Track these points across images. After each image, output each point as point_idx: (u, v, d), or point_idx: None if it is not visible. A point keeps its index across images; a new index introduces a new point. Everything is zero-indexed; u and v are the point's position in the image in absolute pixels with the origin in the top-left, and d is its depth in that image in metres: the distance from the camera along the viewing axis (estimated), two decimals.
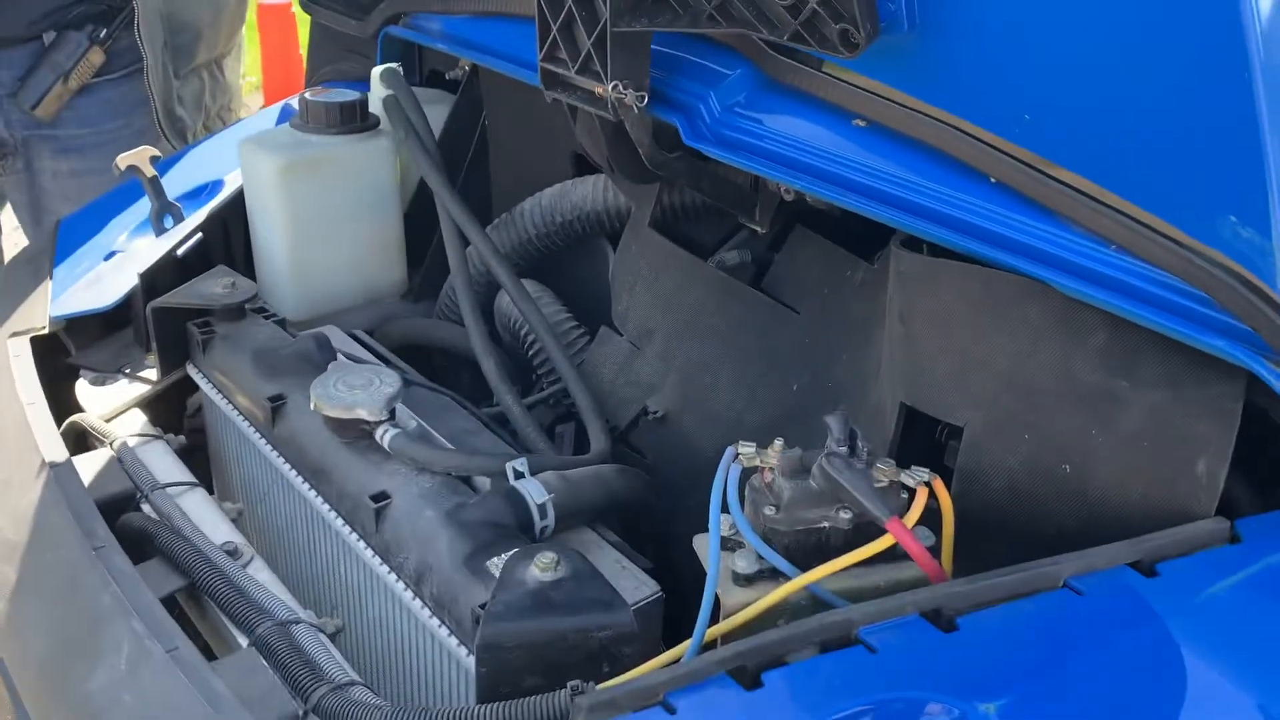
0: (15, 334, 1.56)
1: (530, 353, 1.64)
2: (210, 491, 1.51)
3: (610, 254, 1.63)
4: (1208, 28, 0.79)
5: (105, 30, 2.23)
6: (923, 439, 1.17)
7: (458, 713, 0.92)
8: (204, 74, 2.45)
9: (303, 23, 2.22)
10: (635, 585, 1.13)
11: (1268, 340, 0.86)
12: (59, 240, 1.80)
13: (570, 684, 0.88)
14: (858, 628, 0.87)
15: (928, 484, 0.97)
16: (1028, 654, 0.88)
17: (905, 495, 0.98)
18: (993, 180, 1.03)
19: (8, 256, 2.34)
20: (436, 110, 1.82)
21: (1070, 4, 0.91)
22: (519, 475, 1.16)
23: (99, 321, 1.63)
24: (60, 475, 1.24)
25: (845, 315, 1.35)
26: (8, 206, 2.47)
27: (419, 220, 1.80)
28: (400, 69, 1.76)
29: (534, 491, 1.14)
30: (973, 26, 0.98)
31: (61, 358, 1.60)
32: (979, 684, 0.84)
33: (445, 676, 1.13)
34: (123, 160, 1.72)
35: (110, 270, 1.69)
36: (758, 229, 1.44)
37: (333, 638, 1.12)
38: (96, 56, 2.24)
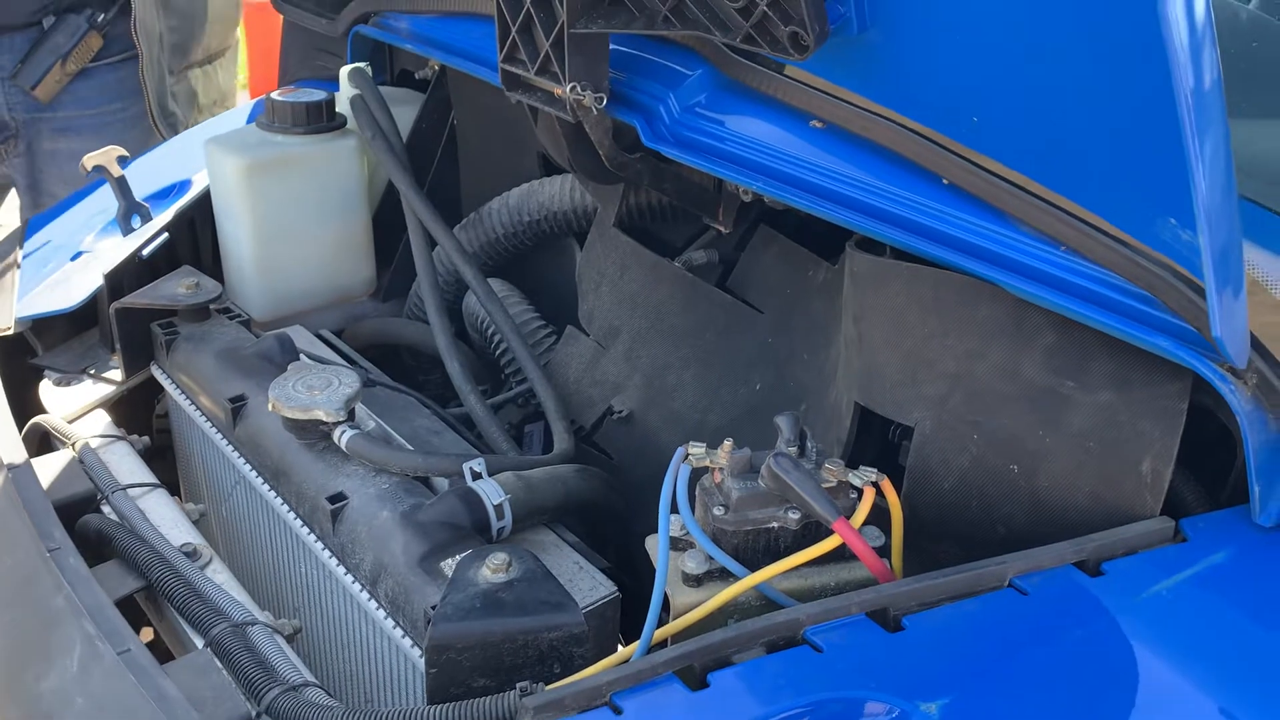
0: None
1: (497, 352, 1.64)
2: (176, 494, 1.51)
3: (577, 253, 1.63)
4: (1136, 43, 0.81)
5: (103, 15, 2.27)
6: (877, 439, 1.17)
7: (406, 714, 0.92)
8: (198, 72, 2.51)
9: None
10: (591, 586, 1.14)
11: (1204, 334, 0.87)
12: (26, 240, 1.79)
13: (519, 684, 0.88)
14: (804, 628, 0.88)
15: (875, 484, 0.98)
16: (972, 653, 0.88)
17: (854, 495, 0.99)
18: (945, 181, 1.04)
19: None
20: (406, 110, 1.82)
21: (1012, 12, 0.91)
22: (476, 476, 1.17)
23: (65, 322, 1.63)
24: (18, 477, 1.24)
25: (807, 315, 1.35)
26: (10, 199, 2.49)
27: (388, 220, 1.80)
28: (368, 68, 1.76)
29: (491, 492, 1.15)
30: (920, 30, 0.98)
31: (27, 358, 1.60)
32: (923, 683, 0.85)
33: (401, 677, 1.13)
34: (89, 160, 1.72)
35: (77, 270, 1.68)
36: (721, 229, 1.44)
37: (290, 639, 1.11)
38: (95, 40, 2.28)
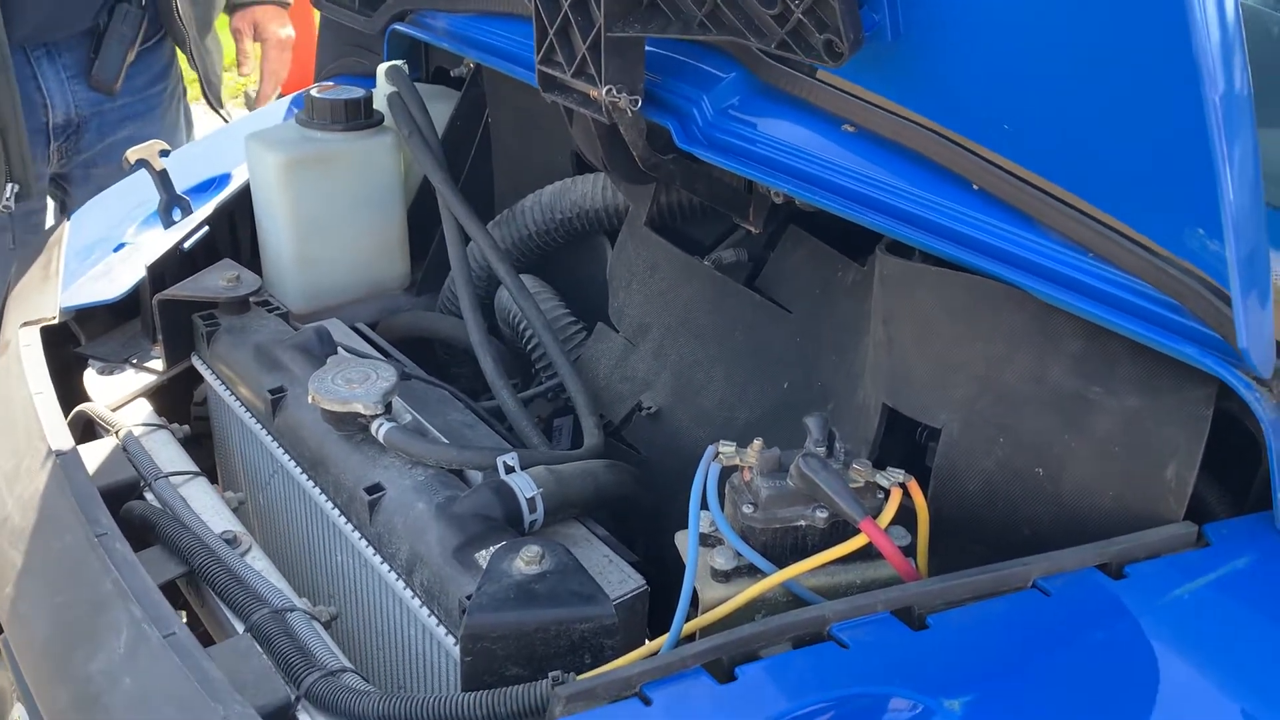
0: (26, 324, 1.60)
1: (528, 347, 1.66)
2: (214, 481, 1.54)
3: (608, 251, 1.65)
4: (1165, 52, 0.82)
5: None
6: (904, 440, 1.19)
7: (442, 700, 0.95)
8: (212, 37, 2.56)
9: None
10: (621, 579, 1.16)
11: (1231, 343, 0.88)
12: (70, 231, 1.84)
13: (551, 674, 0.91)
14: (830, 624, 0.90)
15: (902, 485, 0.99)
16: (995, 652, 0.90)
17: (881, 495, 1.01)
18: (975, 187, 1.05)
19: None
20: (441, 107, 1.84)
21: (1043, 23, 0.93)
22: (509, 470, 1.19)
23: (108, 312, 1.67)
24: (66, 463, 1.28)
25: (835, 316, 1.37)
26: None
27: (422, 215, 1.83)
28: (405, 66, 1.79)
29: (523, 485, 1.17)
30: (953, 38, 1.00)
31: (70, 347, 1.64)
32: (946, 680, 0.87)
33: (434, 665, 1.16)
34: (132, 154, 1.75)
35: (119, 262, 1.72)
36: (751, 230, 1.46)
37: (327, 625, 1.15)
38: (145, 22, 2.33)
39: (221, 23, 2.75)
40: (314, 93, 1.72)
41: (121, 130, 2.39)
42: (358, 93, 1.72)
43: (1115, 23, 0.86)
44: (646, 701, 0.85)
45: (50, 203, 2.52)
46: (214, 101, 2.51)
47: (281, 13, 2.70)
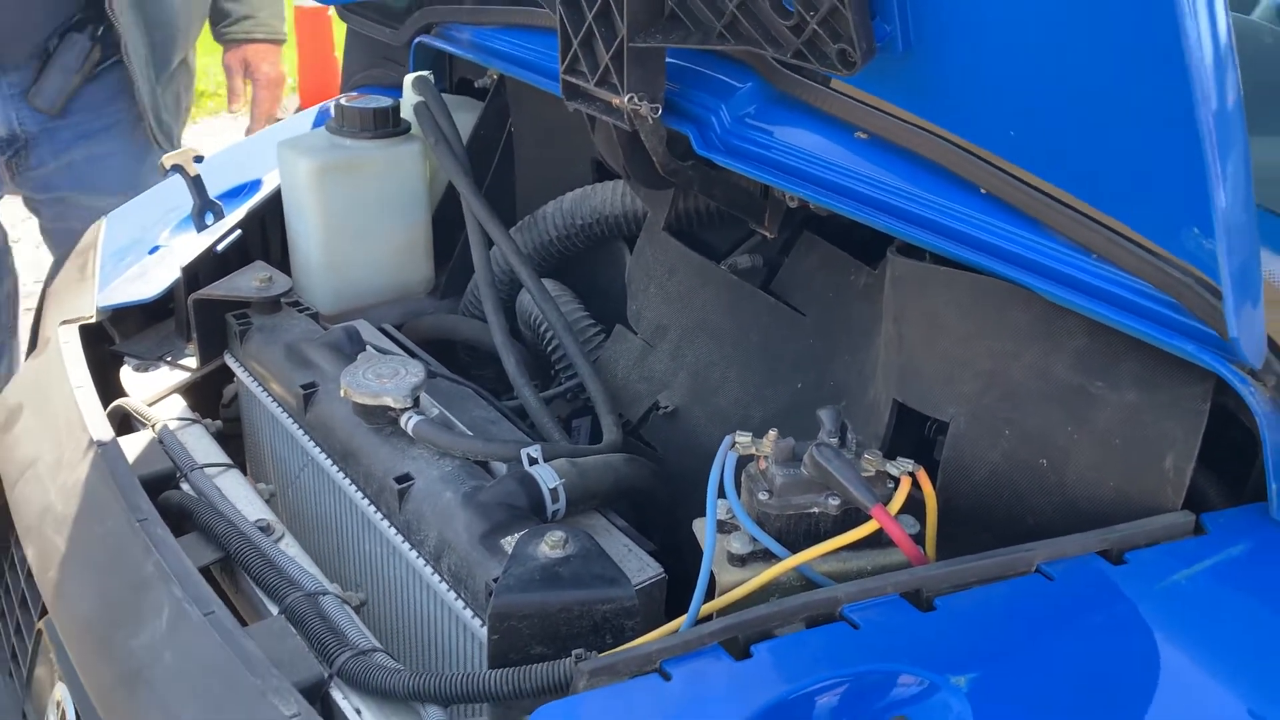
0: (65, 322, 1.65)
1: (549, 348, 1.71)
2: (244, 474, 1.59)
3: (627, 256, 1.70)
4: (1160, 67, 0.86)
5: (101, 28, 2.32)
6: (914, 434, 1.23)
7: (470, 677, 1.00)
8: (180, 71, 2.54)
9: (338, 26, 2.31)
10: (639, 567, 1.20)
11: (1222, 337, 0.92)
12: (106, 234, 1.89)
13: (574, 652, 0.95)
14: (842, 605, 0.94)
15: (911, 474, 1.04)
16: (1000, 632, 0.94)
17: (891, 484, 1.05)
18: (983, 191, 1.10)
19: (24, 272, 2.38)
20: (465, 116, 1.90)
21: (1046, 37, 0.97)
22: (533, 461, 1.24)
23: (143, 312, 1.72)
24: (107, 454, 1.33)
25: (848, 318, 1.42)
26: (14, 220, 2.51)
27: (447, 221, 1.89)
28: (431, 77, 1.84)
29: (546, 476, 1.22)
30: (962, 50, 1.04)
31: (107, 345, 1.69)
32: (952, 659, 0.90)
33: (460, 646, 1.20)
34: (168, 160, 1.81)
35: (154, 264, 1.78)
36: (767, 234, 1.51)
37: (357, 609, 1.19)
38: (96, 53, 2.34)
39: (212, 49, 2.72)
40: (343, 102, 1.77)
41: (77, 149, 2.37)
42: (385, 102, 1.77)
43: (1115, 38, 0.91)
44: (666, 677, 0.89)
45: (33, 219, 2.51)
46: (159, 139, 2.44)
47: (274, 50, 2.69)
